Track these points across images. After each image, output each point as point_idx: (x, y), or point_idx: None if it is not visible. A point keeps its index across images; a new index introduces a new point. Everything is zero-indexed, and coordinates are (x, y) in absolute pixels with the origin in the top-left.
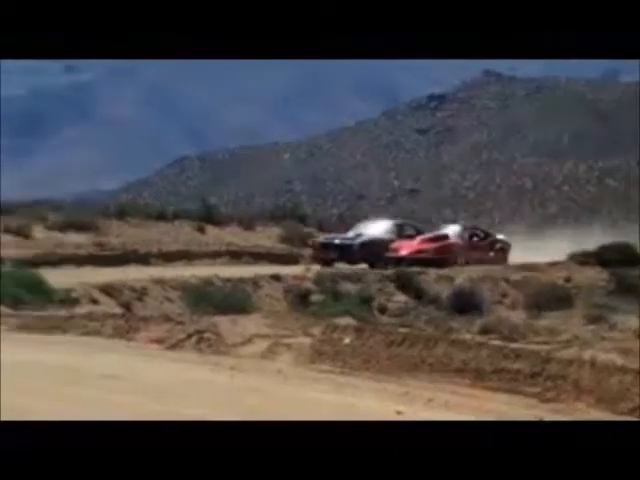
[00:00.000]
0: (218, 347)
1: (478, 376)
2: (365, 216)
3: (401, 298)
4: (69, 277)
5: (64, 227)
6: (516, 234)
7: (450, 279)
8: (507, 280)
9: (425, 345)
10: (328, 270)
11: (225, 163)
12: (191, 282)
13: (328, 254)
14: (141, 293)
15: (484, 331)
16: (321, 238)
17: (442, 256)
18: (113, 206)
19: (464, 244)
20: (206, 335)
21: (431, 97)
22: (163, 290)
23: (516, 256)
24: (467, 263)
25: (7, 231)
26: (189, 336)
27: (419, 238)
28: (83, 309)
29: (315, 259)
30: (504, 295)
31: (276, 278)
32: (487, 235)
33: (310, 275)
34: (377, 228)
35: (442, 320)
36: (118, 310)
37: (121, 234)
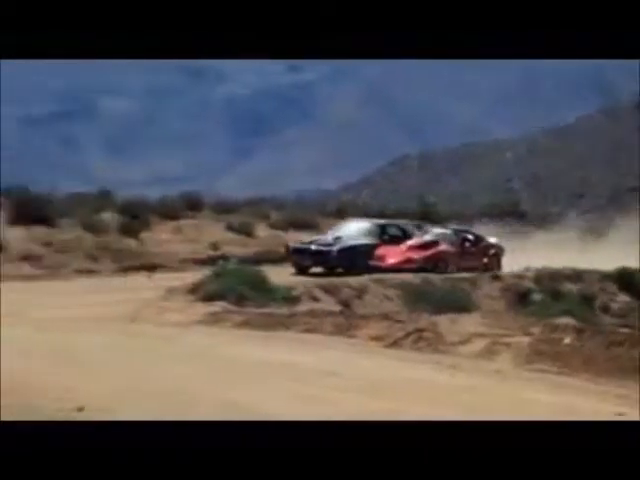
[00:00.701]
0: (436, 346)
1: None
2: (584, 214)
3: (624, 298)
4: (290, 275)
5: (286, 225)
6: None
7: None
8: None
9: None
10: (548, 269)
11: (444, 161)
12: (410, 281)
13: (303, 260)
14: (360, 291)
15: None
16: (296, 243)
17: (432, 265)
18: (332, 204)
19: (456, 250)
20: (425, 334)
21: None
22: (382, 288)
23: None
24: (458, 271)
25: (231, 229)
26: (408, 334)
27: (407, 244)
28: (304, 307)
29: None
30: None
31: (495, 277)
32: (479, 239)
33: (530, 274)
34: (357, 229)
35: None
36: (338, 308)
37: None
